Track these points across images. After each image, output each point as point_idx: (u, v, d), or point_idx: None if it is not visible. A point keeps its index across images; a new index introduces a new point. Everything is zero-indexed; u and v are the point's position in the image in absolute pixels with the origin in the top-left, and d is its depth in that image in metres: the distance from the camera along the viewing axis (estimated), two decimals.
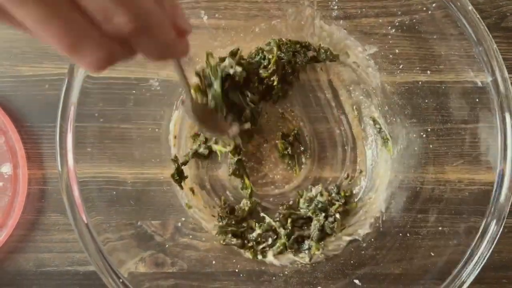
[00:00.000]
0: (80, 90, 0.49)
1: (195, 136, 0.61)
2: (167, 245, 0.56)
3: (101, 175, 0.53)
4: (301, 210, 0.60)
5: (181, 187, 0.59)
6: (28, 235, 0.60)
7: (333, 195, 0.60)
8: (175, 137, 0.61)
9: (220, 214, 0.59)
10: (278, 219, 0.60)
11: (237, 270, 0.56)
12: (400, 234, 0.55)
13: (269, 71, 0.58)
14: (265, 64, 0.59)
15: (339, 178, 0.62)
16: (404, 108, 0.58)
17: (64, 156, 0.49)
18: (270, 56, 0.58)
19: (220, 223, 0.59)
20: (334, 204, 0.59)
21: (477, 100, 0.51)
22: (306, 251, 0.58)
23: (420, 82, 0.56)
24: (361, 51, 0.59)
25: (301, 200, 0.60)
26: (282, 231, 0.58)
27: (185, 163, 0.59)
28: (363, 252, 0.57)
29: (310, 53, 0.60)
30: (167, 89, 0.59)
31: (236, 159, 0.59)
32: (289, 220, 0.59)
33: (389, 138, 0.60)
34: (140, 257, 0.53)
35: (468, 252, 0.49)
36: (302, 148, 0.62)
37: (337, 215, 0.58)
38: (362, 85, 0.61)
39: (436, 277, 0.50)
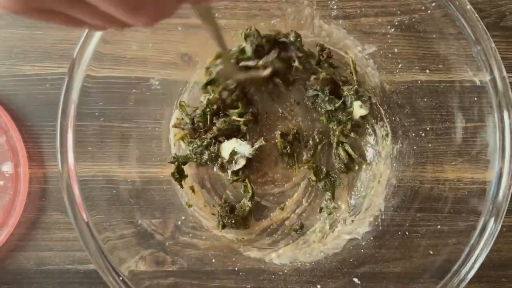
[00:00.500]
0: (81, 89, 0.49)
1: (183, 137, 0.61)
2: (167, 244, 0.56)
3: (101, 174, 0.53)
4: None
5: (181, 186, 0.60)
6: (29, 234, 0.60)
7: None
8: (175, 135, 0.61)
9: (220, 213, 0.60)
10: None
11: (237, 269, 0.57)
12: (399, 233, 0.55)
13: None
14: None
15: None
16: (403, 107, 0.58)
17: (64, 155, 0.49)
18: None
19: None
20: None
21: (475, 99, 0.51)
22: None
23: (419, 81, 0.56)
24: (360, 50, 0.59)
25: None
26: None
27: (185, 163, 0.60)
28: (362, 250, 0.57)
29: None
30: (167, 88, 0.59)
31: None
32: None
33: (389, 132, 0.60)
34: (140, 255, 0.54)
35: (467, 250, 0.49)
36: (302, 147, 0.62)
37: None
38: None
39: (435, 276, 0.50)
